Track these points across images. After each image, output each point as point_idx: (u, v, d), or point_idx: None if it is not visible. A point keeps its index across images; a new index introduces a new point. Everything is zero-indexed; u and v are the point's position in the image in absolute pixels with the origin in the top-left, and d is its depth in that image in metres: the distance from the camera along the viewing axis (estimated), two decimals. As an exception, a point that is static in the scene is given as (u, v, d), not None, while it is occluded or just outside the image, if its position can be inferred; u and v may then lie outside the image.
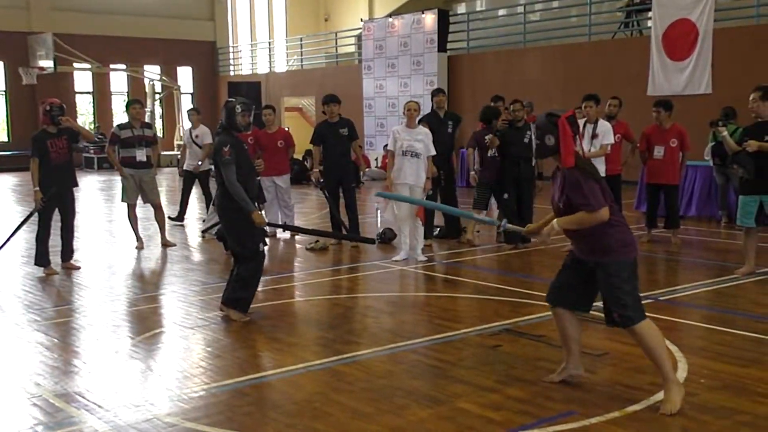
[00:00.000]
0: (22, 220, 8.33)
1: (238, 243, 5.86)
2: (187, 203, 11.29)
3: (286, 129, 10.55)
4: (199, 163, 10.70)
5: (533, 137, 8.48)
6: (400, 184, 8.07)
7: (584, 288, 4.18)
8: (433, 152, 8.26)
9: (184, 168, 11.05)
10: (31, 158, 7.70)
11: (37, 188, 7.67)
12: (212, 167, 6.23)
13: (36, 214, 7.81)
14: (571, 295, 4.23)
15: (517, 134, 8.82)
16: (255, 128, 9.49)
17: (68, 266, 7.98)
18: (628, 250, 4.03)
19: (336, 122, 9.18)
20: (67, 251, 8.02)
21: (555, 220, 4.08)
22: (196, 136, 10.85)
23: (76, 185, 8.01)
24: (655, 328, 4.02)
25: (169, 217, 10.62)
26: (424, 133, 8.18)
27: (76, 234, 8.17)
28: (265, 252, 6.01)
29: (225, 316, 5.90)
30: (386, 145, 19.66)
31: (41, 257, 7.81)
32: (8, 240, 8.18)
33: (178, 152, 22.32)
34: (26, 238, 9.77)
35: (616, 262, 3.98)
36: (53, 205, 7.81)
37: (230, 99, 5.97)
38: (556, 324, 4.37)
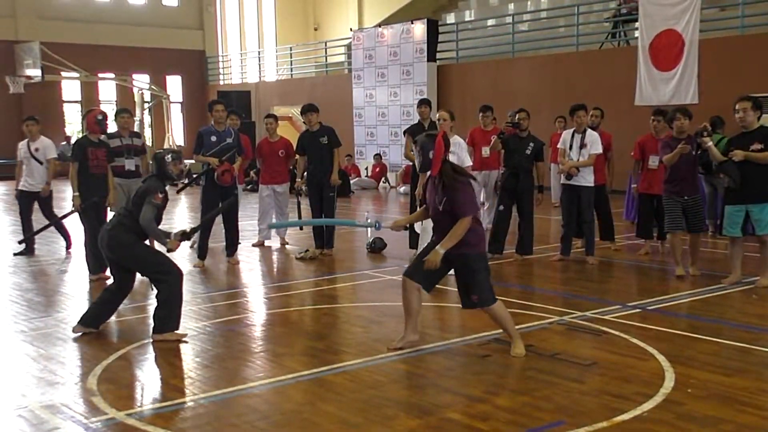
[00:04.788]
0: (60, 216, 8.33)
1: (152, 267, 5.70)
2: (30, 227, 9.63)
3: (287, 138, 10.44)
4: (47, 183, 9.48)
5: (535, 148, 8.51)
6: None
7: (436, 272, 5.02)
8: (469, 163, 8.10)
9: (20, 188, 9.61)
10: (71, 163, 7.84)
11: (77, 193, 7.75)
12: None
13: (81, 224, 7.87)
14: (424, 274, 5.02)
15: (521, 143, 8.60)
16: (245, 136, 9.56)
17: (103, 277, 7.91)
18: (483, 244, 5.08)
19: (316, 131, 9.21)
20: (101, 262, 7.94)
21: (438, 246, 4.87)
22: (36, 150, 9.49)
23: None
24: (503, 306, 5.08)
25: (15, 252, 9.50)
26: (456, 143, 7.70)
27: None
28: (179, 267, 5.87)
29: (161, 342, 5.57)
30: (377, 154, 19.81)
31: (94, 264, 7.86)
32: (34, 234, 8.18)
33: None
34: (13, 248, 9.71)
35: (476, 254, 4.94)
36: (94, 213, 7.83)
37: (159, 150, 6.10)
38: (403, 295, 5.13)
